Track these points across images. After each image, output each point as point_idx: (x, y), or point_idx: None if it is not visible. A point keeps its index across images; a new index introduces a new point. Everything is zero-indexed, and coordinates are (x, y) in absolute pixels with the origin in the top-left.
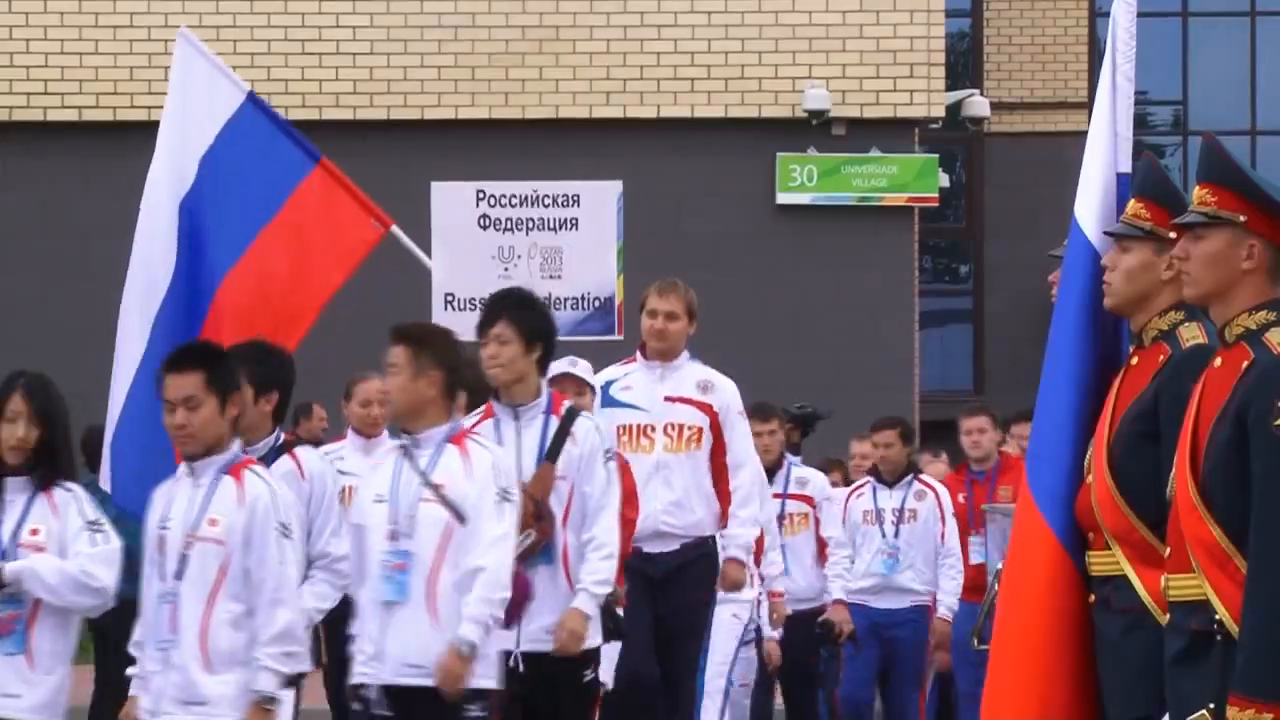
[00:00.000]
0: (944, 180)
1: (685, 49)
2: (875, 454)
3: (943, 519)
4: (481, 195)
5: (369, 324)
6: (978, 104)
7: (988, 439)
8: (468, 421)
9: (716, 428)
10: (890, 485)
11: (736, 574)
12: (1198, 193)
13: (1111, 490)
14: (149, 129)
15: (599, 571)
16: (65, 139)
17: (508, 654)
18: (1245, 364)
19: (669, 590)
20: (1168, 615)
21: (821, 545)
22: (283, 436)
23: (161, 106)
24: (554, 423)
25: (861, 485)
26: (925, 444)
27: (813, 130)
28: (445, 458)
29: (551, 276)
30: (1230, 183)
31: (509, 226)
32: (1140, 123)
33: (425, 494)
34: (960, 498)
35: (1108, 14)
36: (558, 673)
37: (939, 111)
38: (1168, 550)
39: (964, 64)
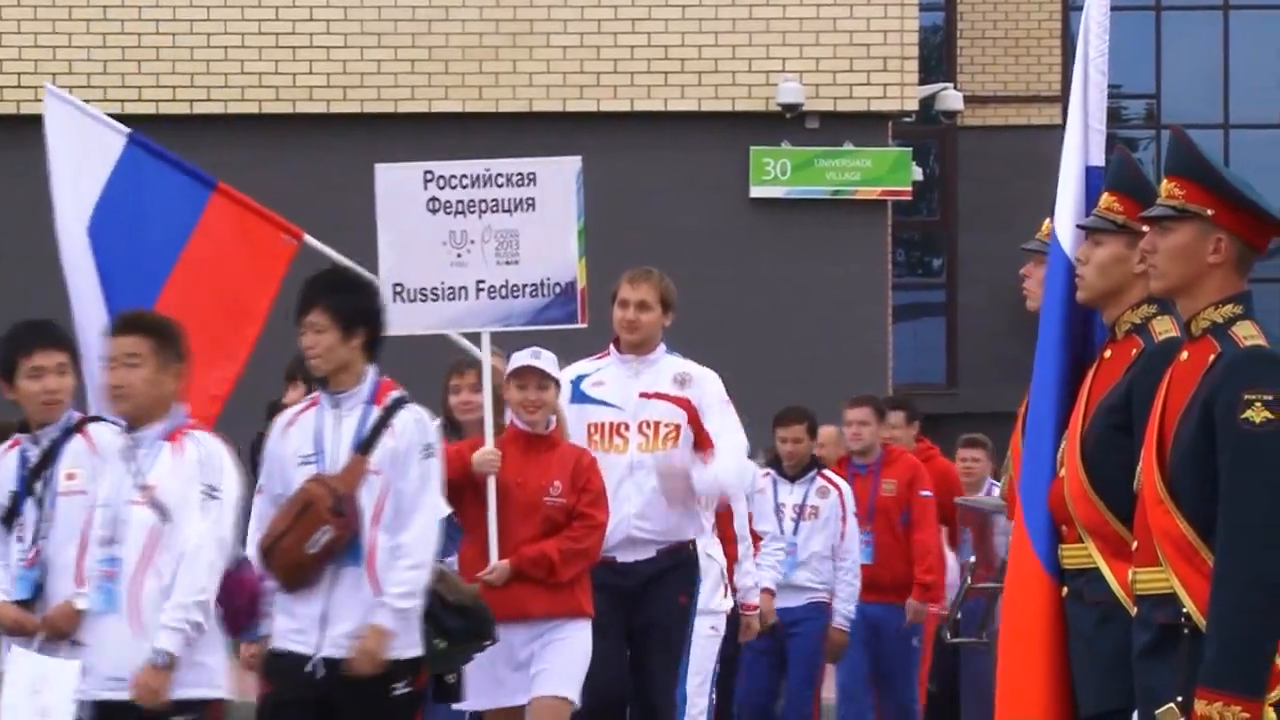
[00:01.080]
0: (917, 174)
1: (659, 43)
2: (783, 448)
3: (844, 518)
4: (430, 176)
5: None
6: (951, 98)
7: (869, 431)
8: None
9: (696, 423)
10: (792, 480)
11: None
12: (1165, 186)
13: (1084, 483)
14: (122, 121)
15: (403, 583)
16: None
17: (306, 659)
18: (1211, 357)
19: (643, 600)
20: (1136, 608)
21: (755, 539)
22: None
23: (133, 99)
24: (375, 413)
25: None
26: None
27: (786, 124)
28: (161, 456)
29: (508, 262)
30: (1198, 176)
31: (460, 209)
32: (1113, 116)
33: (135, 496)
34: None
35: (1080, 8)
36: (361, 683)
37: (912, 105)
38: (1135, 543)
39: (937, 57)
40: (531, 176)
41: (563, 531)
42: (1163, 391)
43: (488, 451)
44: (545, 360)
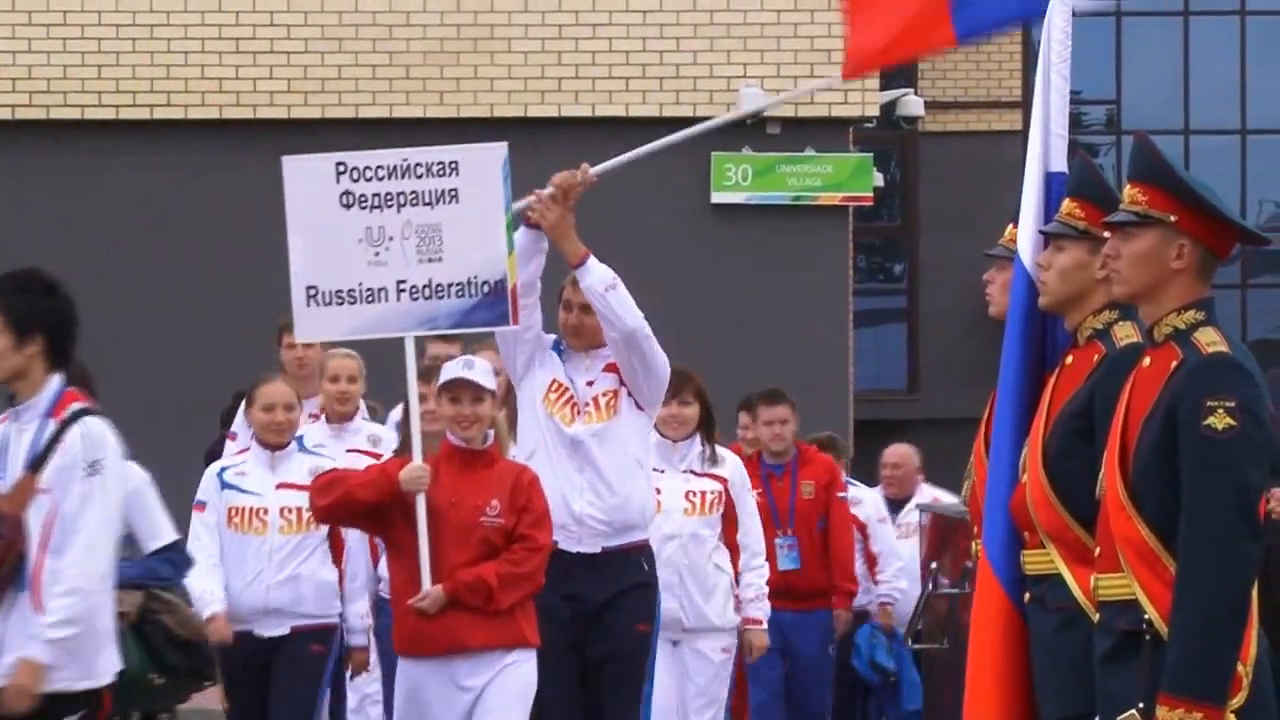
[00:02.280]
0: (878, 179)
1: (620, 48)
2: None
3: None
4: (342, 168)
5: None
6: (912, 103)
7: (789, 430)
8: None
9: (630, 385)
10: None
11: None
12: (1128, 191)
13: (1046, 489)
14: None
15: (57, 611)
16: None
17: None
18: (1174, 363)
19: (597, 627)
20: (1098, 614)
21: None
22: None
23: (93, 104)
24: (50, 427)
25: None
26: (859, 441)
27: (748, 130)
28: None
29: (430, 259)
30: (1161, 182)
31: (377, 203)
32: (1073, 122)
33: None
34: (756, 494)
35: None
36: (31, 714)
37: (873, 111)
38: (1097, 549)
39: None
40: (454, 166)
41: (502, 555)
42: (1125, 397)
43: (415, 468)
44: (479, 371)
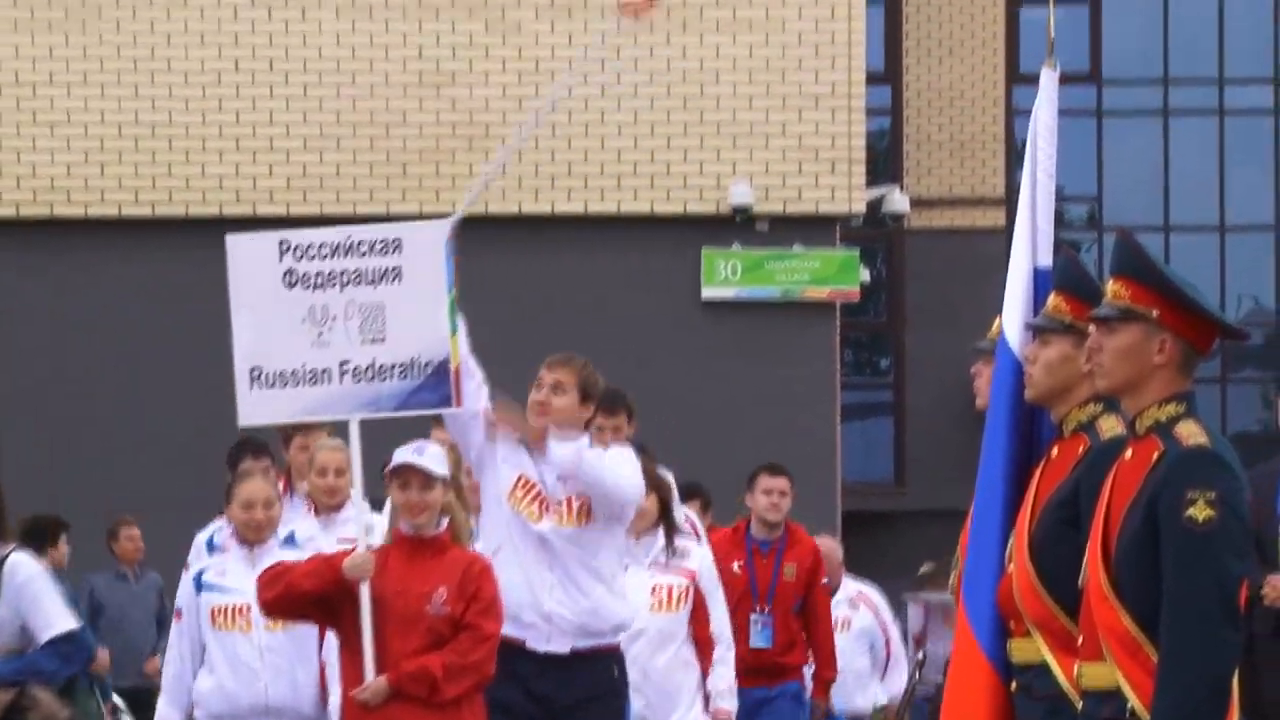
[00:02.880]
0: (865, 275)
1: (611, 146)
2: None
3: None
4: (285, 246)
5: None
6: (897, 200)
7: (786, 504)
8: None
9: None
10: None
11: None
12: (1111, 286)
13: (1032, 578)
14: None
15: None
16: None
17: None
18: (1155, 455)
19: None
20: (1081, 702)
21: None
22: None
23: (95, 202)
24: None
25: None
26: (847, 533)
27: (737, 226)
28: None
29: (374, 340)
30: (1144, 277)
31: (320, 282)
32: (1056, 218)
33: None
34: (737, 566)
35: (1025, 112)
36: None
37: (860, 208)
38: (1081, 638)
39: (884, 160)
40: (396, 243)
41: (448, 645)
42: (1108, 488)
43: (359, 555)
44: (430, 457)
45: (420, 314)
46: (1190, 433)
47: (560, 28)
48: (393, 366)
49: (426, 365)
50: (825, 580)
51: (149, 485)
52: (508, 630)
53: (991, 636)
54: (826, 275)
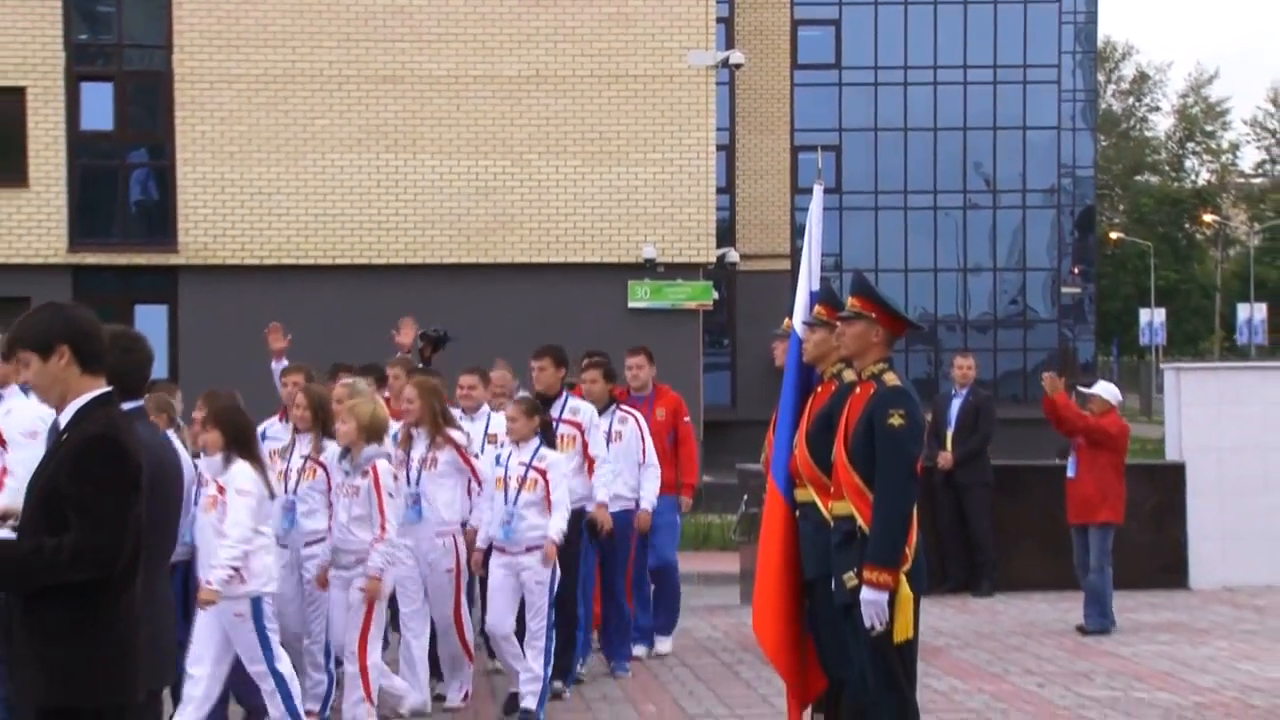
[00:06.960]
0: (715, 295)
1: (581, 231)
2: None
3: (642, 438)
4: None
5: None
6: (732, 255)
7: (645, 372)
8: None
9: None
10: (599, 413)
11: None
12: (850, 301)
13: (807, 457)
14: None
15: None
16: None
17: None
18: (872, 391)
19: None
20: (833, 523)
21: (589, 461)
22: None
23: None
24: None
25: None
26: (706, 436)
27: (646, 269)
28: None
29: None
30: (867, 295)
31: None
32: (821, 265)
33: None
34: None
35: (801, 208)
36: None
37: (712, 258)
38: (833, 488)
39: (726, 230)
40: None
41: None
42: (846, 408)
43: None
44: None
45: None
46: (891, 379)
47: None
48: None
49: None
50: (687, 419)
51: None
52: None
53: (786, 486)
54: (695, 295)
